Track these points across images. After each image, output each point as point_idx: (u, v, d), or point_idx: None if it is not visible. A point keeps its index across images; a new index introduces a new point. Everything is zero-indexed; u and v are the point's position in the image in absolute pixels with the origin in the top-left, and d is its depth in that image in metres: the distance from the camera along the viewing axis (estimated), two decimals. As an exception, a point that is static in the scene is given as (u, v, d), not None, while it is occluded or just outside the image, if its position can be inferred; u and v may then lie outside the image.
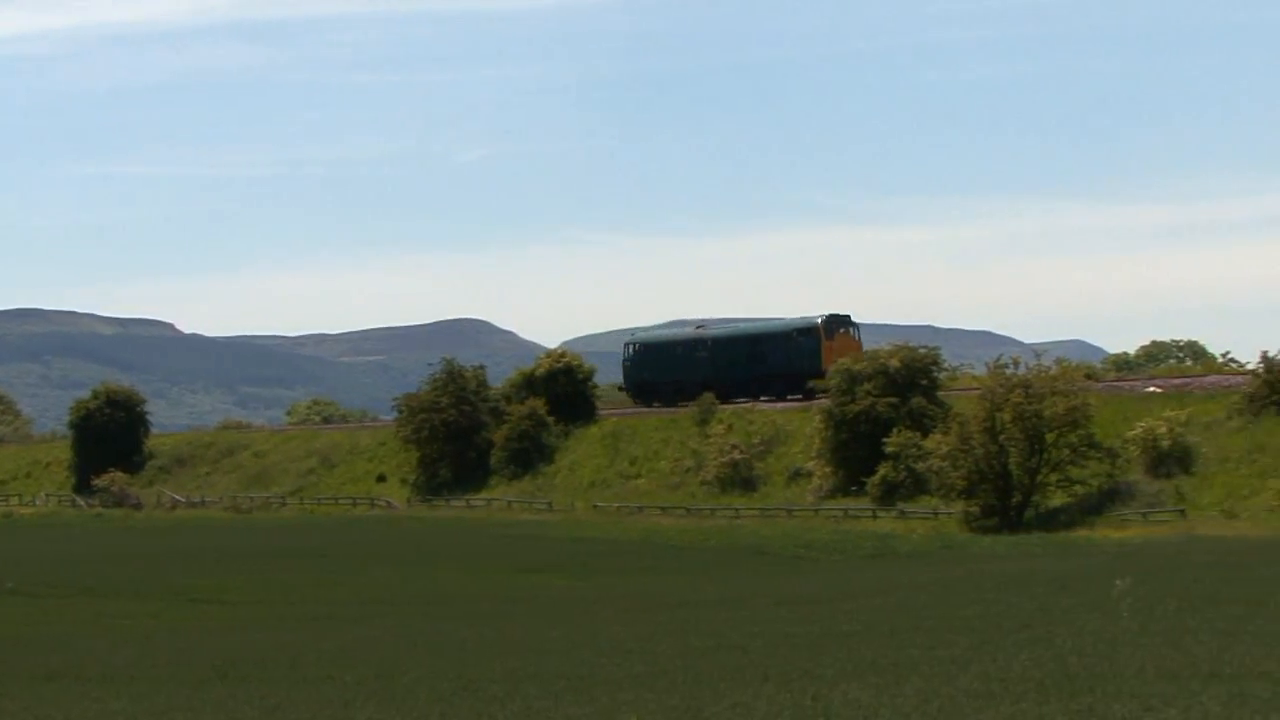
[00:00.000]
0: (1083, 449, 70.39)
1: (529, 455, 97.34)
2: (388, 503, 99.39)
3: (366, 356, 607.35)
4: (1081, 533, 64.31)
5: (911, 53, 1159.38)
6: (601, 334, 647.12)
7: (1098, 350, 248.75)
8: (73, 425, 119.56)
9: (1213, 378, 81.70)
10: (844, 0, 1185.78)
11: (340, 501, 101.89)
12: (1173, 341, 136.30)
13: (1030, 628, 24.71)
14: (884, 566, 53.87)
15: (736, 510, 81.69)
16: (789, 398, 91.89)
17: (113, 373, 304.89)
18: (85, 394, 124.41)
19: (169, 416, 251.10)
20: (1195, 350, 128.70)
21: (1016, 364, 74.08)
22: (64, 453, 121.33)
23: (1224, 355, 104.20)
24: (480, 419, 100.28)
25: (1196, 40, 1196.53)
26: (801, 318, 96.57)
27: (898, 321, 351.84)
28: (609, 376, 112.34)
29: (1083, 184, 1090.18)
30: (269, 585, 53.39)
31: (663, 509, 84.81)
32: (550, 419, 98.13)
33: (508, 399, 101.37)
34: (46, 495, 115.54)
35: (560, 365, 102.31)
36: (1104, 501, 69.61)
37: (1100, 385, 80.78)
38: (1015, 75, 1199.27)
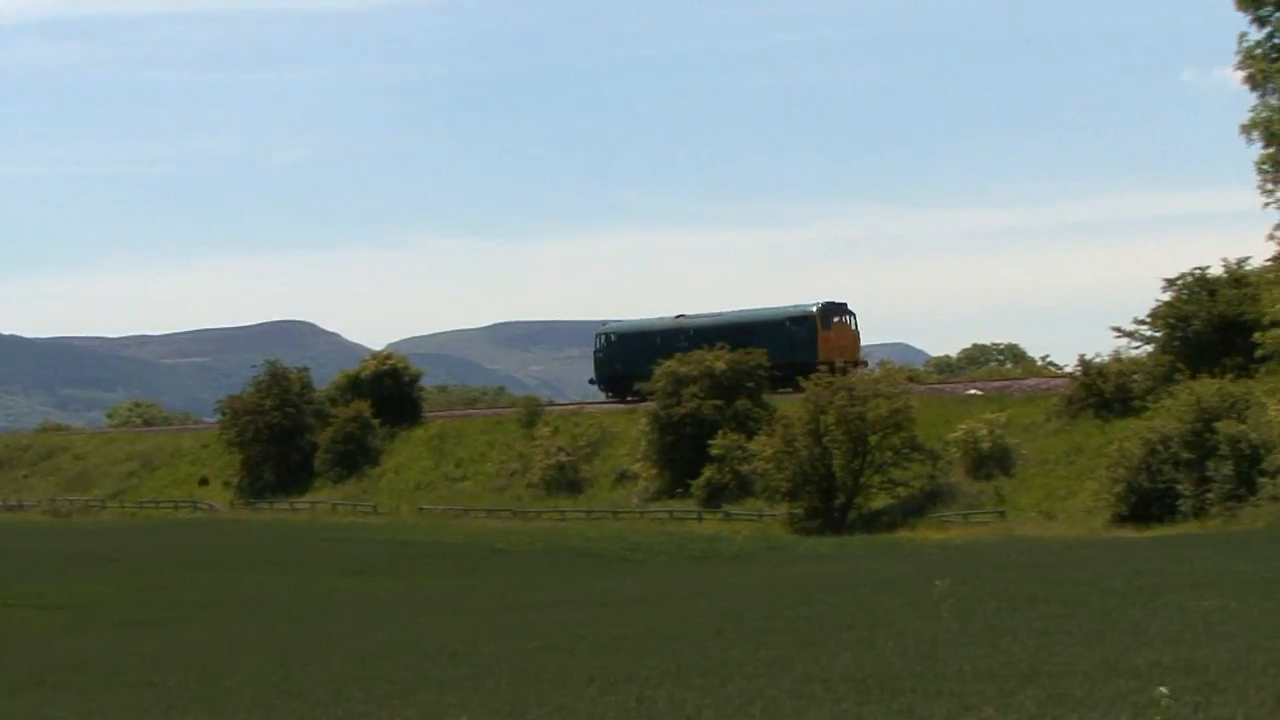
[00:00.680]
0: (905, 451, 71.27)
1: (354, 458, 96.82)
2: (210, 506, 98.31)
3: (189, 358, 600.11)
4: (903, 534, 64.99)
5: (738, 57, 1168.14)
6: (427, 336, 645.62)
7: (920, 353, 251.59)
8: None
9: (1032, 380, 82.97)
10: (670, 5, 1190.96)
11: (162, 505, 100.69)
12: (993, 345, 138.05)
13: (853, 628, 24.92)
14: (709, 568, 54.06)
15: (562, 512, 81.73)
16: (779, 391, 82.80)
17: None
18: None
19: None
20: (1015, 353, 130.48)
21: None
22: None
23: (1043, 358, 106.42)
24: (305, 421, 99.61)
25: (1014, 49, 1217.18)
26: (796, 305, 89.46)
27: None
28: (435, 379, 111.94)
29: (903, 189, 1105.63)
30: (88, 589, 52.47)
31: (489, 511, 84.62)
32: (376, 421, 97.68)
33: (333, 401, 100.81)
34: None
35: (386, 367, 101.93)
36: (926, 503, 70.49)
37: (922, 388, 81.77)
38: (836, 81, 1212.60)
